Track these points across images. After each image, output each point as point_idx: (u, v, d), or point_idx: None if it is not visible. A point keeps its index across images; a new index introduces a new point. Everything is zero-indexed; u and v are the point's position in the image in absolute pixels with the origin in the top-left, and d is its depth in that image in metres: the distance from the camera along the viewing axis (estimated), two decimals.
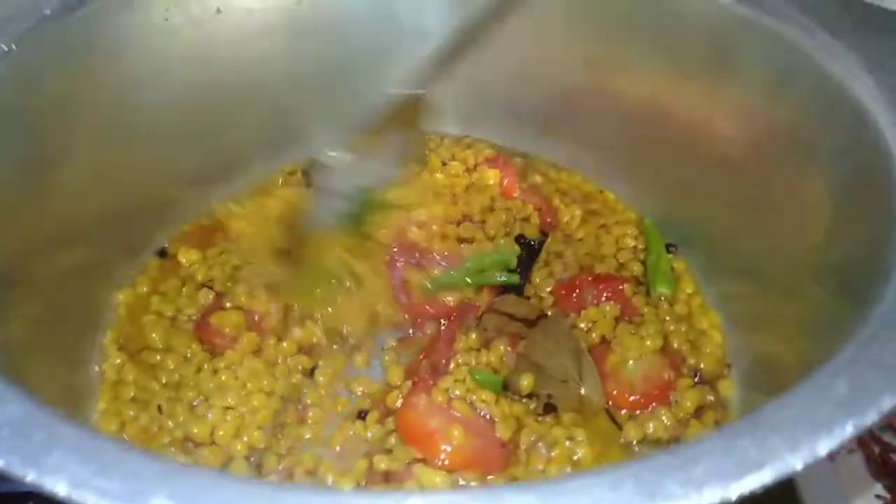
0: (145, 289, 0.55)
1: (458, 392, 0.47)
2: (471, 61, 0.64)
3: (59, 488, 0.20)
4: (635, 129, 0.59)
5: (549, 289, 0.55)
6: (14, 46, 0.41)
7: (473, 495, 0.22)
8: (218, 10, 0.55)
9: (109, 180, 0.53)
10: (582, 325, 0.52)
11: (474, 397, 0.47)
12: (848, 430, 0.23)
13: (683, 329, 0.53)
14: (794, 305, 0.46)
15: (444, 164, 0.64)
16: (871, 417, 0.23)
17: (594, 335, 0.52)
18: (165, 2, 0.52)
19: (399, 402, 0.48)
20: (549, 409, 0.48)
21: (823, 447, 0.22)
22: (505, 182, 0.62)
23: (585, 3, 0.58)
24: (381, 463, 0.44)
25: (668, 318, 0.53)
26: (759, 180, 0.51)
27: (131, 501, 0.19)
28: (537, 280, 0.56)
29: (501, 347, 0.50)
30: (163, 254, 0.57)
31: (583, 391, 0.48)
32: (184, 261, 0.56)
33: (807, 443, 0.22)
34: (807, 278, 0.44)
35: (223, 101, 0.59)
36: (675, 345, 0.52)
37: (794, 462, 0.22)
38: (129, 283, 0.55)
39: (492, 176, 0.62)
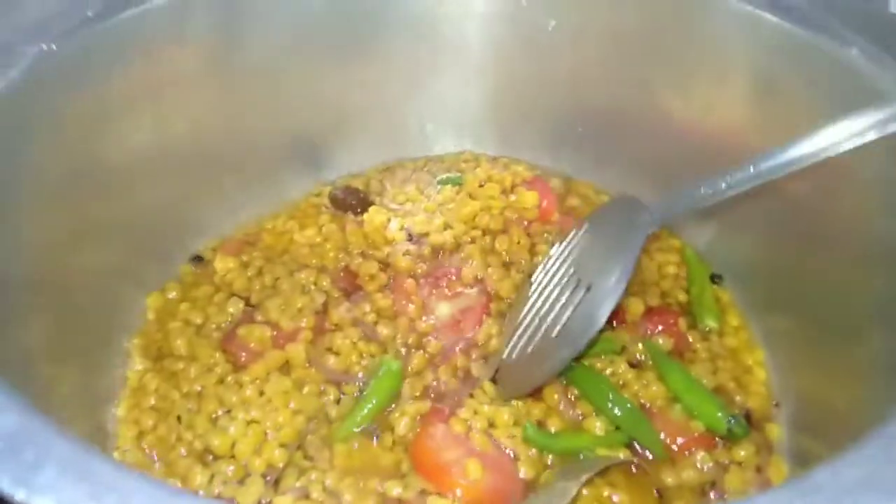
0: (175, 294, 0.54)
1: (478, 424, 0.45)
2: (512, 79, 0.64)
3: None
4: (681, 154, 0.57)
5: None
6: (54, 46, 0.41)
7: None
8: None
9: (148, 182, 0.53)
10: (637, 356, 0.50)
11: (498, 431, 0.45)
12: None
13: (730, 366, 0.50)
14: (849, 347, 0.43)
15: (481, 185, 0.62)
16: None
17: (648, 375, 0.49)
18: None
19: (403, 425, 0.46)
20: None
21: None
22: (544, 204, 0.61)
23: (632, 25, 0.56)
24: (394, 489, 0.43)
25: (718, 351, 0.51)
26: (816, 212, 0.48)
27: None
28: None
29: (556, 396, 0.48)
30: (198, 259, 0.57)
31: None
32: (219, 268, 0.55)
33: None
34: (865, 320, 0.41)
35: (261, 111, 0.59)
36: (722, 381, 0.49)
37: None
38: (159, 288, 0.55)
39: (530, 199, 0.60)
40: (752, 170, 0.41)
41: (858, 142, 0.38)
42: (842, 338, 0.45)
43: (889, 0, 0.66)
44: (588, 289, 0.47)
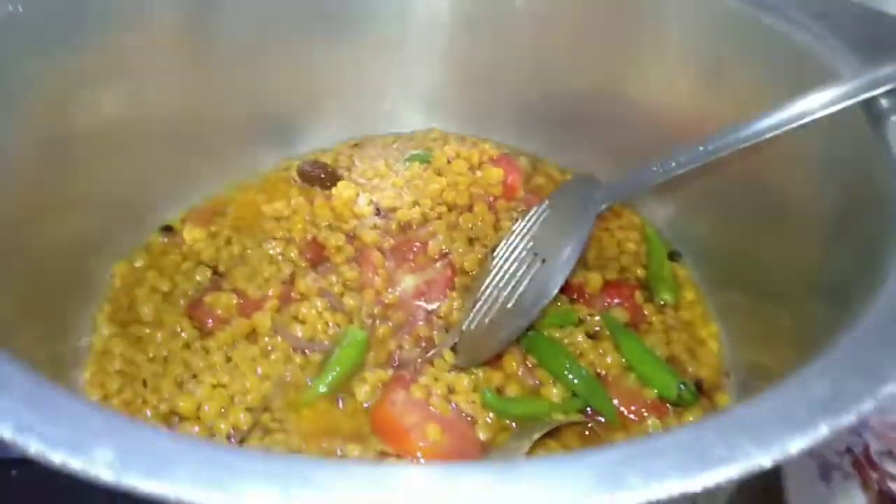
0: (142, 263, 0.55)
1: (438, 390, 0.47)
2: (481, 59, 0.65)
3: (4, 433, 0.20)
4: (643, 136, 0.58)
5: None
6: (20, 7, 0.41)
7: (429, 471, 0.22)
8: None
9: (117, 154, 0.53)
10: (595, 328, 0.52)
11: (458, 397, 0.47)
12: (822, 430, 0.22)
13: (684, 337, 0.52)
14: (791, 318, 0.45)
15: (448, 161, 0.63)
16: (847, 419, 0.22)
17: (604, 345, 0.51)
18: None
19: (364, 391, 0.47)
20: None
21: (795, 446, 0.22)
22: (509, 180, 0.62)
23: (597, 8, 0.57)
24: (354, 451, 0.44)
25: (672, 324, 0.53)
26: (767, 191, 0.50)
27: (75, 450, 0.19)
28: None
29: (514, 364, 0.49)
30: (167, 230, 0.57)
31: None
32: (188, 237, 0.56)
33: (777, 441, 0.22)
34: (803, 291, 0.43)
35: (233, 85, 0.59)
36: (676, 352, 0.51)
37: (762, 459, 0.21)
38: (127, 257, 0.55)
39: (495, 174, 0.62)
40: (700, 148, 0.43)
41: (806, 120, 0.40)
42: (787, 311, 0.47)
43: None
44: (543, 262, 0.48)
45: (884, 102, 0.38)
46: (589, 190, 0.50)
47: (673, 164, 0.44)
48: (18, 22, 0.41)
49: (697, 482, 0.20)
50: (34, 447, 0.19)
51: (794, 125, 0.40)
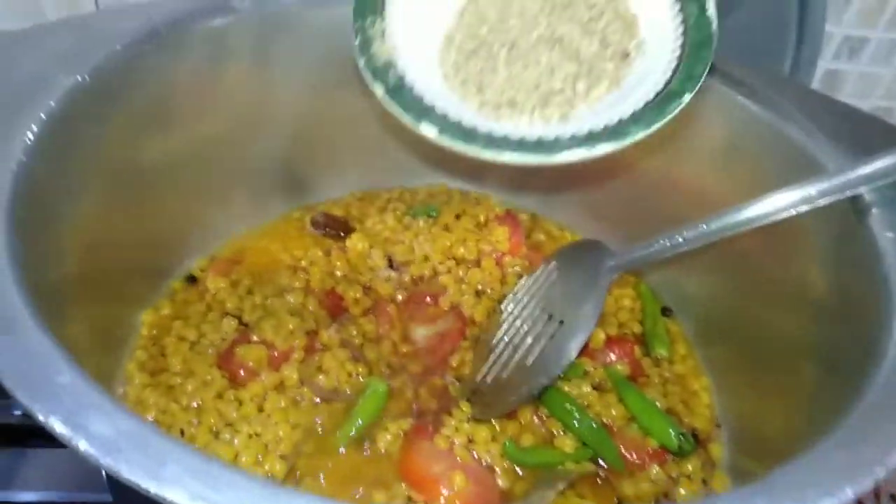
0: (167, 311, 0.57)
1: (459, 440, 0.50)
2: None
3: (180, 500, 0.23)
4: (640, 199, 0.63)
5: None
6: (87, 77, 0.44)
7: None
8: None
9: (144, 203, 0.55)
10: (597, 380, 0.56)
11: (477, 447, 0.50)
12: (848, 493, 0.26)
13: (679, 390, 0.57)
14: (782, 379, 0.50)
15: (457, 217, 0.67)
16: (867, 484, 0.27)
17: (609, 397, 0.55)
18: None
19: (387, 440, 0.50)
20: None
21: None
22: (513, 239, 0.66)
23: None
24: (380, 497, 0.47)
25: (668, 377, 0.57)
26: (756, 257, 0.55)
27: None
28: None
29: (528, 415, 0.53)
30: (191, 279, 0.59)
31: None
32: (211, 287, 0.58)
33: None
34: (796, 354, 0.49)
35: (251, 139, 0.62)
36: (672, 404, 0.56)
37: None
38: (152, 305, 0.57)
39: (502, 233, 0.66)
40: (704, 227, 0.48)
41: (797, 210, 0.45)
42: (776, 370, 0.52)
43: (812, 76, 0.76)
44: (560, 323, 0.52)
45: (867, 196, 0.44)
46: (599, 257, 0.54)
47: (680, 240, 0.49)
48: (85, 89, 0.44)
49: None
50: None
51: (786, 215, 0.45)
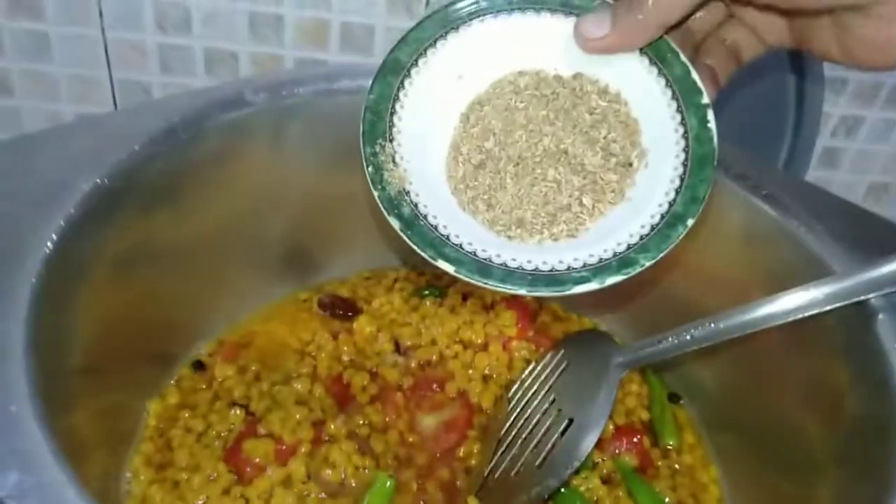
0: (174, 400, 0.56)
1: None
2: None
3: None
4: (647, 283, 0.64)
5: None
6: (107, 181, 0.44)
7: None
8: None
9: (153, 288, 0.55)
10: (605, 472, 0.55)
11: None
12: None
13: (687, 482, 0.56)
14: (795, 475, 0.50)
15: (463, 298, 0.68)
16: None
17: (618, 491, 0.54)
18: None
19: None
20: None
21: None
22: (520, 324, 0.66)
23: None
24: None
25: (677, 468, 0.57)
26: (768, 347, 0.54)
27: None
28: None
29: None
30: (199, 365, 0.59)
31: None
32: (219, 375, 0.58)
33: None
34: (807, 453, 0.48)
35: (262, 223, 0.63)
36: (681, 497, 0.55)
37: None
38: (158, 393, 0.57)
39: (509, 317, 0.66)
40: (712, 326, 0.48)
41: (804, 314, 0.45)
42: (787, 466, 0.52)
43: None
44: (570, 421, 0.52)
45: (873, 302, 0.44)
46: (607, 352, 0.54)
47: (688, 338, 0.49)
48: (103, 191, 0.44)
49: None
50: None
51: (791, 318, 0.45)
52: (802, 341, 0.51)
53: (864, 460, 0.40)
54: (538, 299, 0.71)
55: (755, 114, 0.80)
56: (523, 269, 0.37)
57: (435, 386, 0.61)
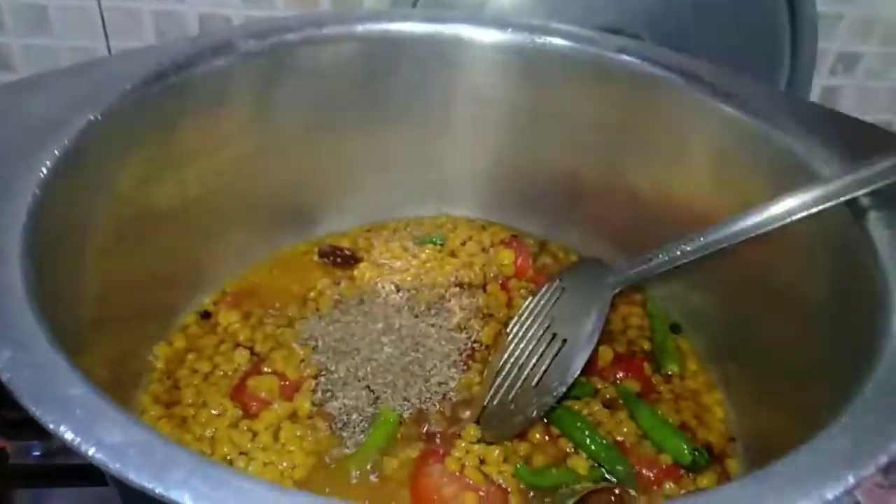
0: (181, 344, 0.58)
1: (470, 462, 0.50)
2: (494, 154, 0.71)
3: (184, 500, 0.23)
4: (642, 217, 0.64)
5: None
6: (100, 117, 0.45)
7: None
8: None
9: (159, 240, 0.56)
10: (608, 397, 0.56)
11: (489, 468, 0.50)
12: (850, 480, 0.27)
13: (692, 405, 0.57)
14: (793, 391, 0.50)
15: (462, 243, 0.68)
16: (869, 470, 0.27)
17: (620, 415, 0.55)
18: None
19: (396, 465, 0.50)
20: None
21: (831, 492, 0.26)
22: (518, 261, 0.67)
23: (606, 111, 0.63)
24: None
25: (680, 392, 0.57)
26: (758, 269, 0.55)
27: None
28: None
29: (538, 435, 0.53)
30: (205, 315, 0.60)
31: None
32: (223, 321, 0.59)
33: (816, 489, 0.26)
34: (802, 361, 0.48)
35: (258, 175, 0.64)
36: (685, 419, 0.55)
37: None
38: (167, 340, 0.58)
39: (507, 256, 0.67)
40: (702, 240, 0.49)
41: (793, 218, 0.45)
42: (785, 380, 0.52)
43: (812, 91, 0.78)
44: (563, 342, 0.53)
45: (864, 201, 0.44)
46: (600, 274, 0.55)
47: (678, 253, 0.50)
48: (98, 128, 0.46)
49: None
50: None
51: (783, 222, 0.45)
52: (793, 256, 0.51)
53: (850, 356, 0.40)
54: (540, 243, 0.71)
55: (749, 54, 0.80)
56: None
57: (438, 325, 0.61)
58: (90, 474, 0.59)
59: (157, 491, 0.24)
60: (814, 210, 0.45)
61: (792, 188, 0.46)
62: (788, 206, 0.46)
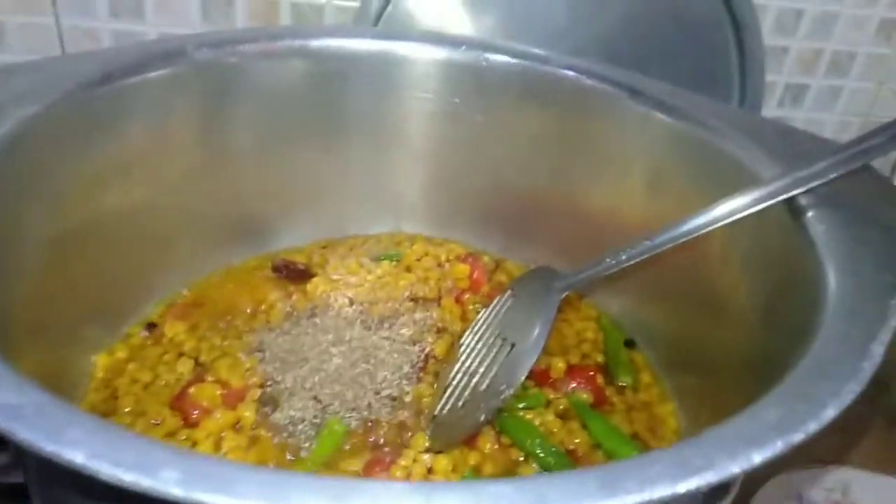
0: (124, 354, 0.56)
1: (417, 470, 0.49)
2: (446, 171, 0.71)
3: (77, 458, 0.22)
4: (595, 231, 0.64)
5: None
6: (41, 111, 0.45)
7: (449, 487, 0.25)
8: None
9: (104, 248, 0.55)
10: (561, 408, 0.55)
11: (437, 477, 0.49)
12: (778, 445, 0.26)
13: (644, 416, 0.56)
14: (733, 393, 0.49)
15: (418, 259, 0.68)
16: (798, 437, 0.27)
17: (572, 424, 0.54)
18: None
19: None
20: None
21: (758, 458, 0.26)
22: (474, 276, 0.67)
23: (550, 124, 0.65)
24: None
25: (632, 404, 0.57)
26: (701, 284, 0.56)
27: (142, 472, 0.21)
28: None
29: (489, 444, 0.52)
30: (151, 326, 0.59)
31: None
32: (169, 332, 0.58)
33: (744, 454, 0.26)
34: (742, 369, 0.49)
35: (210, 188, 0.63)
36: (638, 430, 0.55)
37: (733, 468, 0.25)
38: (107, 350, 0.56)
39: (462, 270, 0.66)
40: (647, 242, 0.49)
41: (735, 217, 0.46)
42: (732, 386, 0.51)
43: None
44: (512, 346, 0.53)
45: (802, 200, 0.45)
46: (549, 279, 0.55)
47: (623, 257, 0.50)
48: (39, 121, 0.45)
49: (682, 486, 0.24)
50: (106, 469, 0.21)
51: (725, 222, 0.46)
52: (734, 262, 0.52)
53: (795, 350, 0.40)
54: (497, 261, 0.71)
55: (698, 85, 0.82)
56: None
57: (391, 339, 0.60)
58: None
59: (49, 449, 0.22)
60: (755, 209, 0.46)
61: (731, 192, 0.47)
62: (731, 206, 0.47)
